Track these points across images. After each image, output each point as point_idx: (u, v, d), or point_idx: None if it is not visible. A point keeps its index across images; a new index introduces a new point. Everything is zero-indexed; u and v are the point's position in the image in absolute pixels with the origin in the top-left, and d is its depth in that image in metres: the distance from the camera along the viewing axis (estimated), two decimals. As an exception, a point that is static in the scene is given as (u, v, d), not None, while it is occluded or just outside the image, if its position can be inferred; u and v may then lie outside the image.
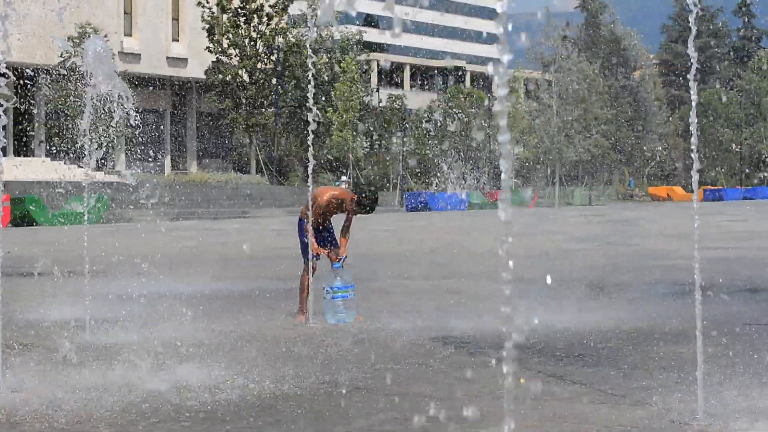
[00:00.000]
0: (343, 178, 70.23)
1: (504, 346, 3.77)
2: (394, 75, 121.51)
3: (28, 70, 62.80)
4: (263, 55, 71.28)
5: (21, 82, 65.24)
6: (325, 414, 7.06)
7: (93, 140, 10.79)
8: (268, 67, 71.46)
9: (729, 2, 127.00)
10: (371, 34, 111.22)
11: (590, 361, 8.86)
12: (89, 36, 60.83)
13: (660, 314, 11.76)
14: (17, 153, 65.93)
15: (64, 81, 60.44)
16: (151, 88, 68.39)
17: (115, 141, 62.54)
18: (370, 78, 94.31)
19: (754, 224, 35.00)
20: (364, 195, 11.48)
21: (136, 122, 10.37)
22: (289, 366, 8.72)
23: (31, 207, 43.04)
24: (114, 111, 10.41)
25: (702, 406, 6.64)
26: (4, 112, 8.13)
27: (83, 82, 10.72)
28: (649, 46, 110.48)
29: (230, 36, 70.31)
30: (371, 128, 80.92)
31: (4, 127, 8.06)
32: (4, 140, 8.05)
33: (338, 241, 11.85)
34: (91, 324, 10.95)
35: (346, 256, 11.69)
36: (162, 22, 72.87)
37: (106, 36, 61.52)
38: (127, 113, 10.44)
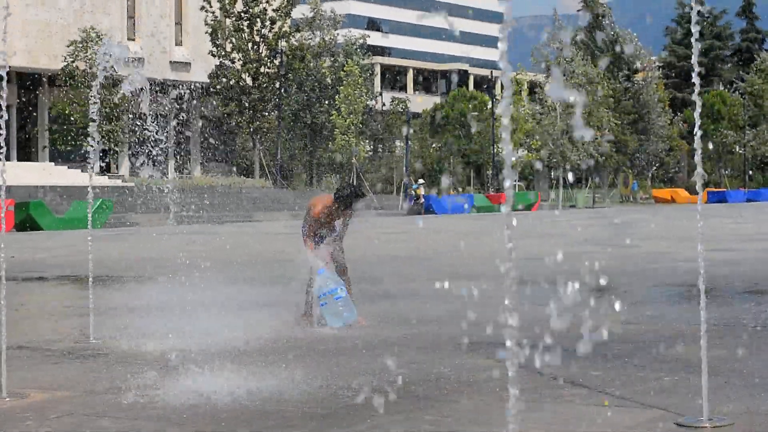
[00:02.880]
0: (420, 180, 71.23)
1: (508, 349, 3.78)
2: (398, 78, 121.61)
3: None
4: (266, 58, 71.33)
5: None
6: (330, 417, 7.06)
7: (100, 143, 10.82)
8: (271, 71, 71.51)
9: (732, 4, 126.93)
10: (374, 38, 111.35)
11: (594, 363, 8.86)
12: (93, 40, 60.92)
13: (664, 316, 11.76)
14: (21, 158, 65.95)
15: (78, 86, 60.51)
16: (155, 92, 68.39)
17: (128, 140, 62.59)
18: (373, 81, 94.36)
19: (758, 226, 34.99)
20: (338, 192, 11.80)
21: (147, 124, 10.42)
22: (294, 369, 8.73)
23: (34, 212, 43.04)
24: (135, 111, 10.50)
25: (707, 408, 6.65)
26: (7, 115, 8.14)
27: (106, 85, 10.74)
28: (651, 47, 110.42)
29: (233, 40, 70.36)
30: (375, 131, 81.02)
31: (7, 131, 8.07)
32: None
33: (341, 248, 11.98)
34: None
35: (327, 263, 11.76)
36: (165, 27, 72.92)
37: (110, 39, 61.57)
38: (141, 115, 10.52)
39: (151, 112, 10.34)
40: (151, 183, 58.89)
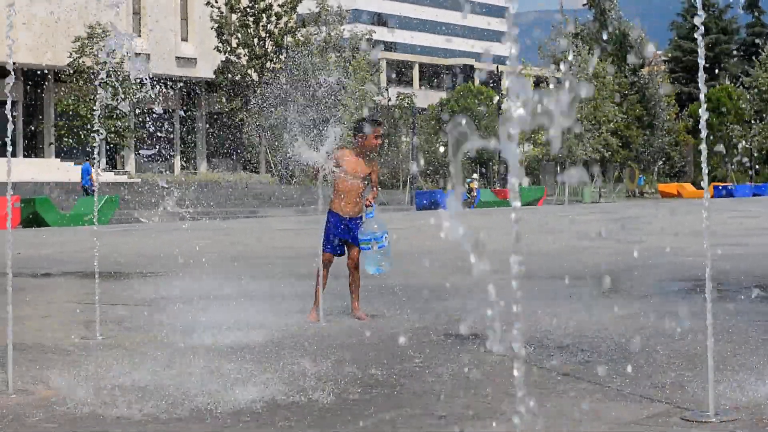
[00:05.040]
0: (474, 175, 71.72)
1: (513, 344, 3.78)
2: (403, 73, 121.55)
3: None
4: (272, 54, 71.35)
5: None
6: (335, 411, 7.07)
7: (103, 139, 10.82)
8: (277, 66, 71.54)
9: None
10: (380, 33, 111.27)
11: (600, 358, 8.86)
12: (99, 36, 61.00)
13: (670, 311, 11.76)
14: (27, 154, 66.02)
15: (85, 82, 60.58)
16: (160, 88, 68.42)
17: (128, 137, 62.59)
18: (379, 77, 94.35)
19: (765, 220, 34.95)
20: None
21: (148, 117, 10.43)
22: (298, 364, 8.73)
23: (40, 208, 43.08)
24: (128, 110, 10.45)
25: (713, 403, 6.64)
26: (13, 114, 8.16)
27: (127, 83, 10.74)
28: (657, 41, 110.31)
29: (239, 35, 70.39)
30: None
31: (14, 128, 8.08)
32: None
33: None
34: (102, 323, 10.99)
35: (373, 204, 11.51)
36: (171, 22, 72.95)
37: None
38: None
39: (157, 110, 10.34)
40: (157, 179, 58.98)
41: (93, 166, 54.00)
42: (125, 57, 10.44)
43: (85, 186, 52.65)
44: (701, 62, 6.78)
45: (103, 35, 60.88)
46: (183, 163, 76.19)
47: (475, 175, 72.24)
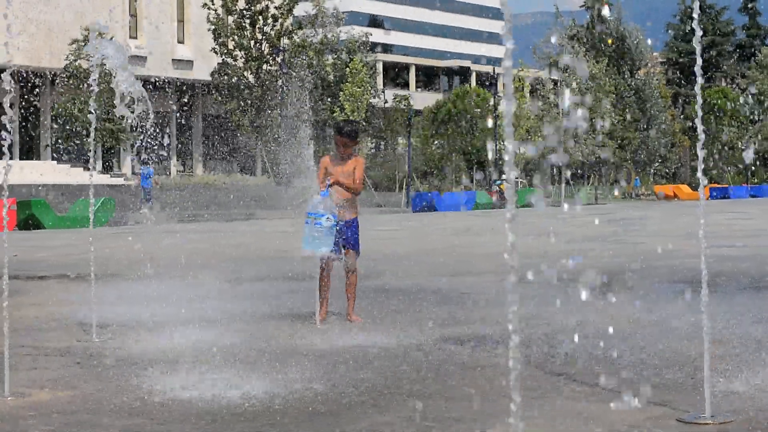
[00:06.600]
0: (503, 176, 72.06)
1: (509, 346, 3.77)
2: (400, 75, 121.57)
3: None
4: (269, 56, 71.34)
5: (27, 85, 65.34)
6: (330, 414, 7.06)
7: (99, 143, 10.82)
8: (273, 68, 71.52)
9: (734, 0, 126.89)
10: (376, 35, 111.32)
11: (596, 359, 8.86)
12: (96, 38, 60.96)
13: (666, 312, 11.76)
14: (23, 156, 65.97)
15: (75, 84, 60.60)
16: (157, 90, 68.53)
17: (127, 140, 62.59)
18: (375, 79, 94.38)
19: (761, 222, 34.96)
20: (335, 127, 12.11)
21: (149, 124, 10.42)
22: (293, 367, 8.73)
23: (36, 210, 43.01)
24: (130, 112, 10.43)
25: (709, 405, 6.64)
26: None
27: (90, 87, 10.76)
28: (654, 42, 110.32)
29: (236, 38, 70.37)
30: (377, 128, 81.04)
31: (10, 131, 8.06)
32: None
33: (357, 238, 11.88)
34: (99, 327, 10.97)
35: (328, 181, 11.62)
36: (167, 25, 72.93)
37: (112, 38, 61.67)
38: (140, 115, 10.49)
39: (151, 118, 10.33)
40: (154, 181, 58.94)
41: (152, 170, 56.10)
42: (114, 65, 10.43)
43: (145, 188, 55.28)
44: (698, 64, 6.78)
45: (99, 38, 60.85)
46: (179, 165, 76.16)
47: (504, 176, 72.50)
